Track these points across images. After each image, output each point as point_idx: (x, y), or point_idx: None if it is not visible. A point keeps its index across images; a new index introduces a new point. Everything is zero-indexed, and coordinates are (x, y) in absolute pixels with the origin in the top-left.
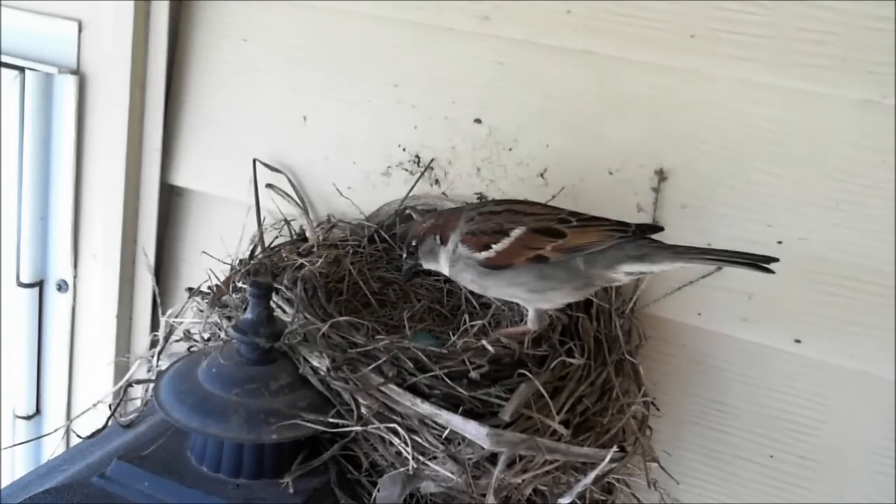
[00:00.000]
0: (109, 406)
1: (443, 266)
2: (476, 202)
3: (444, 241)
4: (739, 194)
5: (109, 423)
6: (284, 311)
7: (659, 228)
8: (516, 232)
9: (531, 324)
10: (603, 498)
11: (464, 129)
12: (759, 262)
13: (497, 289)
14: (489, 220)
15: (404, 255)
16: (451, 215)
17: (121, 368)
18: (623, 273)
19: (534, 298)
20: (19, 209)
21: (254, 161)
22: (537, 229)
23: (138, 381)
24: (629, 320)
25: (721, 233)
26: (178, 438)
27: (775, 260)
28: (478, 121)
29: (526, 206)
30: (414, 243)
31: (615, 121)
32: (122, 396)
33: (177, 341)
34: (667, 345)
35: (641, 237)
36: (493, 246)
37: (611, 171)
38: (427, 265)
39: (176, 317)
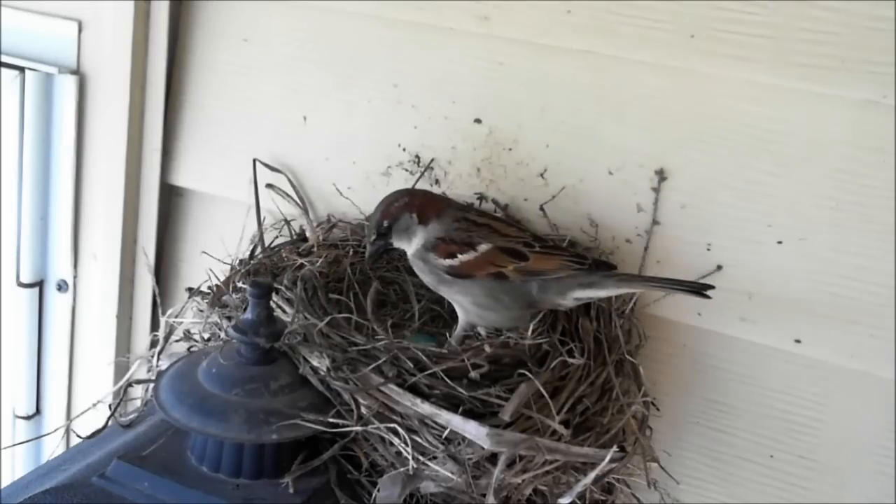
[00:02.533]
0: (109, 406)
1: (413, 246)
2: (460, 204)
3: (423, 221)
4: (739, 194)
5: (109, 423)
6: (284, 311)
7: (612, 266)
8: (483, 247)
9: (454, 339)
10: (603, 498)
11: (464, 129)
12: (698, 290)
13: (447, 291)
14: (468, 230)
15: (372, 238)
16: (426, 198)
17: (121, 368)
18: (572, 299)
19: (473, 311)
20: (19, 209)
21: (254, 161)
22: (503, 248)
23: (138, 381)
24: (629, 320)
25: (721, 233)
26: (178, 438)
27: (711, 287)
28: (478, 121)
29: (503, 226)
30: (386, 223)
31: (615, 121)
32: (122, 396)
33: (177, 341)
34: (667, 345)
35: (595, 271)
36: (459, 255)
37: (611, 171)
38: (398, 245)
39: (176, 317)
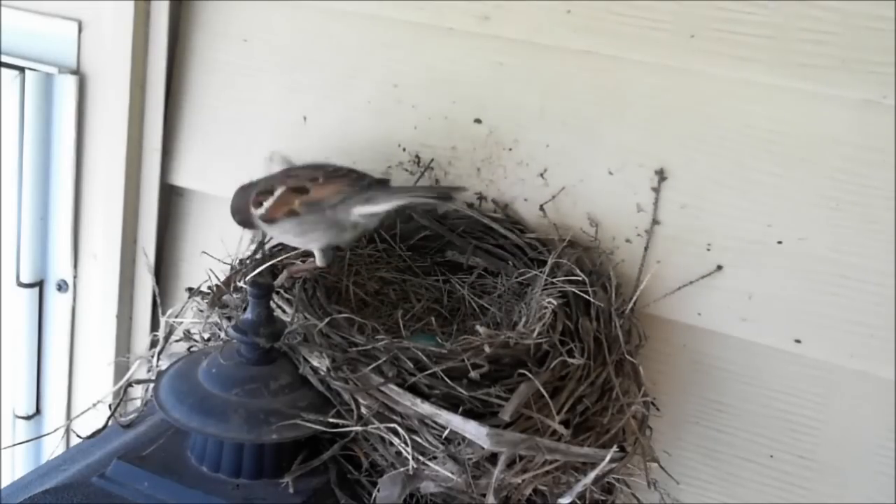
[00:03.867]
0: (109, 406)
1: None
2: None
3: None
4: (739, 194)
5: (109, 423)
6: (284, 311)
7: (385, 181)
8: (278, 191)
9: (318, 261)
10: (603, 498)
11: (464, 129)
12: (444, 196)
13: (275, 237)
14: (269, 181)
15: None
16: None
17: (121, 368)
18: (359, 216)
19: (301, 242)
20: (19, 209)
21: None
22: (292, 188)
23: (138, 381)
24: (629, 320)
25: (721, 233)
26: (178, 438)
27: (458, 189)
28: (478, 121)
29: (306, 171)
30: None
31: (615, 121)
32: (122, 396)
33: (177, 341)
34: (667, 345)
35: (371, 188)
36: (264, 203)
37: (611, 171)
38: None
39: (176, 317)
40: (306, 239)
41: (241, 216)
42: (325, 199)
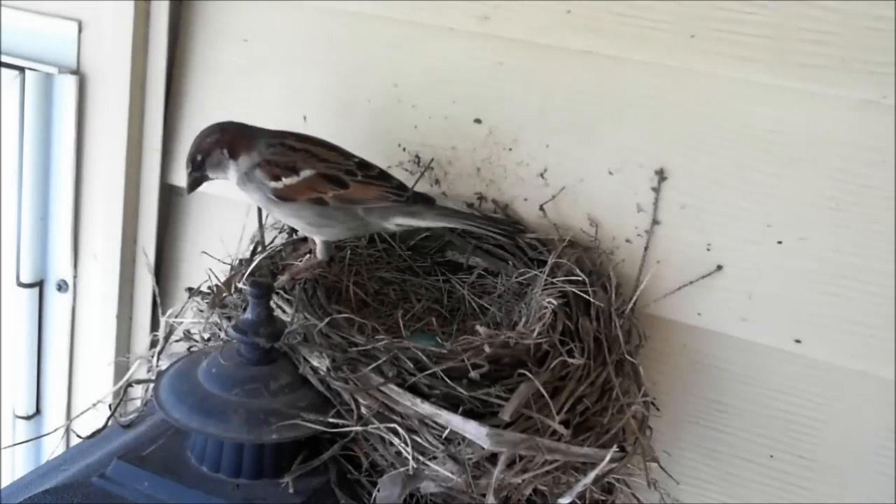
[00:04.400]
0: (109, 406)
1: (231, 179)
2: (276, 131)
3: (233, 156)
4: (739, 194)
5: (109, 423)
6: (284, 311)
7: (431, 200)
8: (306, 173)
9: (319, 254)
10: (603, 498)
11: (464, 129)
12: (510, 233)
13: (280, 214)
14: (286, 154)
15: (189, 171)
16: (238, 132)
17: (121, 368)
18: (395, 224)
19: (311, 230)
20: (19, 209)
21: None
22: (325, 175)
23: (138, 381)
24: (629, 320)
25: (721, 233)
26: (178, 438)
27: (520, 231)
28: (478, 121)
29: (323, 151)
30: (199, 157)
31: (615, 121)
32: (122, 396)
33: (177, 341)
34: (666, 345)
35: (414, 203)
36: (283, 179)
37: (611, 171)
38: (214, 177)
39: (176, 317)
40: (321, 230)
41: (205, 155)
42: (364, 202)
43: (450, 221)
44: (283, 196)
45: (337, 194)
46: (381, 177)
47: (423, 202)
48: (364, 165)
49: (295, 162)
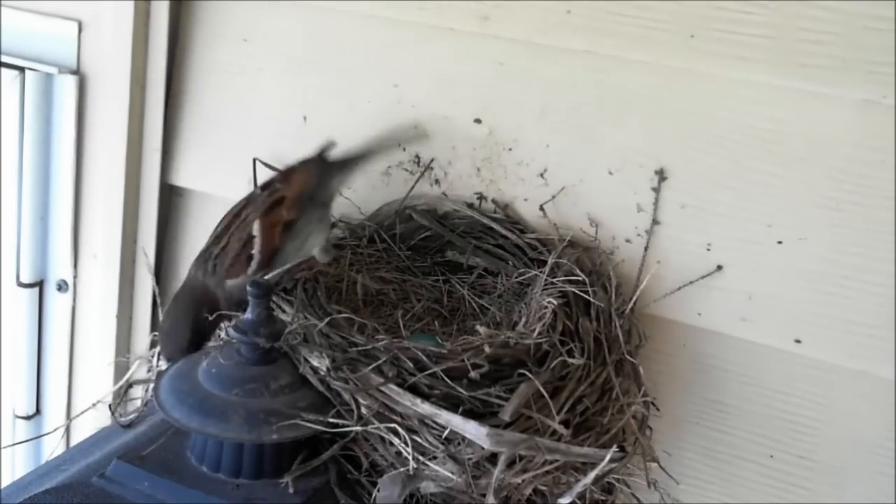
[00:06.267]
0: (109, 406)
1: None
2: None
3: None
4: (739, 194)
5: (109, 423)
6: (284, 311)
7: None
8: (255, 227)
9: (319, 257)
10: (603, 498)
11: (464, 129)
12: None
13: (276, 271)
14: (213, 246)
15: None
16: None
17: (121, 368)
18: (341, 188)
19: (306, 249)
20: (19, 209)
21: (254, 160)
22: (264, 211)
23: (138, 381)
24: (629, 320)
25: (721, 233)
26: (178, 438)
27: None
28: (478, 121)
29: (235, 212)
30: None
31: (615, 121)
32: (122, 396)
33: None
34: (667, 345)
35: (323, 159)
36: (253, 253)
37: (611, 171)
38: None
39: None
40: (307, 244)
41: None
42: (306, 189)
43: (362, 149)
44: (267, 262)
45: (287, 205)
46: (288, 170)
47: (327, 151)
48: (263, 186)
49: (227, 240)
